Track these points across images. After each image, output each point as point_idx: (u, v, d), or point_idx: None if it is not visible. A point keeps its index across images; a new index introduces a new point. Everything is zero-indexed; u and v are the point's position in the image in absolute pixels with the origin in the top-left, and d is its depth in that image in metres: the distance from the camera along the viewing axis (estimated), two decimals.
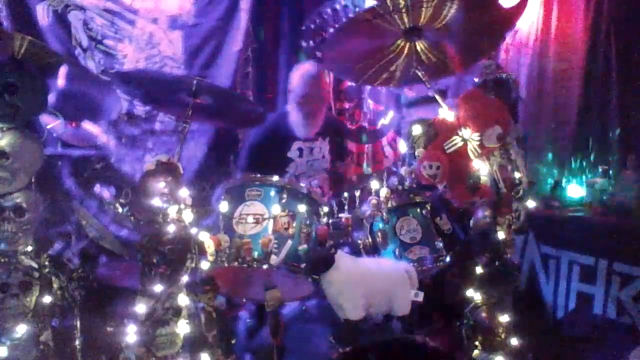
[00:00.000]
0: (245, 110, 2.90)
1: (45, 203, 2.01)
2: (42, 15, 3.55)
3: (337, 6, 4.09)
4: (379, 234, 2.28)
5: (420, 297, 2.06)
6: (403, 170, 2.30)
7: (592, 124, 3.66)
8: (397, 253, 2.23)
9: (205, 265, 1.96)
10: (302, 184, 2.41)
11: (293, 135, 3.08)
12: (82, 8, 3.65)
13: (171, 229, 1.82)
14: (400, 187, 2.33)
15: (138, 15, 3.78)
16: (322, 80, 3.10)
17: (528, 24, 3.94)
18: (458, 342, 2.13)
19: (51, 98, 2.07)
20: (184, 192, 1.90)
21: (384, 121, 4.39)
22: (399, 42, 2.38)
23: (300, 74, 3.08)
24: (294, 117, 3.07)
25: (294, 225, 2.10)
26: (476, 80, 2.34)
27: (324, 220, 2.22)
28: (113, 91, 2.53)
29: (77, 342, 2.13)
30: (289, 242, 2.04)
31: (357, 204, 2.36)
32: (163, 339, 1.79)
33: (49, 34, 3.57)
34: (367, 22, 2.20)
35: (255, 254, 2.00)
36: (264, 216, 2.08)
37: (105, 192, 3.11)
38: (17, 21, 3.44)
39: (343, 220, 2.27)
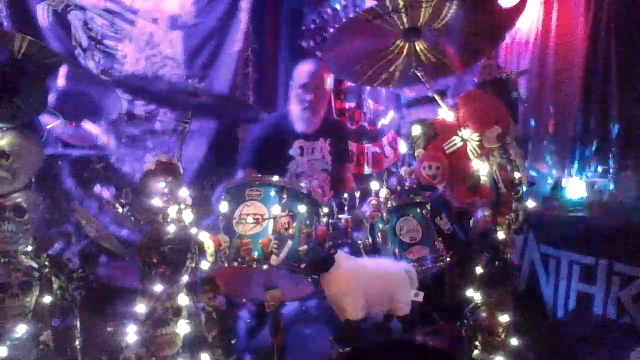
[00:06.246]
0: (244, 113, 2.92)
1: (45, 203, 2.01)
2: (42, 15, 3.54)
3: (337, 6, 4.10)
4: (379, 234, 2.27)
5: (420, 297, 2.06)
6: (403, 171, 2.31)
7: (592, 124, 3.66)
8: (397, 253, 2.23)
9: (205, 265, 1.96)
10: (302, 184, 2.41)
11: (294, 133, 3.08)
12: (82, 8, 3.64)
13: (171, 229, 1.82)
14: (400, 188, 2.33)
15: (138, 15, 3.77)
16: (322, 76, 3.11)
17: (528, 24, 3.94)
18: (458, 342, 2.13)
19: (51, 98, 2.07)
20: (184, 192, 1.90)
21: (384, 121, 4.40)
22: (398, 42, 2.38)
23: (302, 67, 3.12)
24: (294, 109, 3.08)
25: (294, 225, 2.09)
26: (476, 80, 2.35)
27: (324, 220, 2.22)
28: (113, 91, 2.53)
29: (77, 342, 2.12)
30: (289, 242, 2.04)
31: (357, 204, 2.36)
32: (163, 339, 1.79)
33: (49, 34, 3.55)
34: (367, 22, 2.20)
35: (255, 254, 2.00)
36: (264, 216, 2.08)
37: (105, 192, 3.11)
38: (17, 21, 3.43)
39: (343, 220, 2.27)
